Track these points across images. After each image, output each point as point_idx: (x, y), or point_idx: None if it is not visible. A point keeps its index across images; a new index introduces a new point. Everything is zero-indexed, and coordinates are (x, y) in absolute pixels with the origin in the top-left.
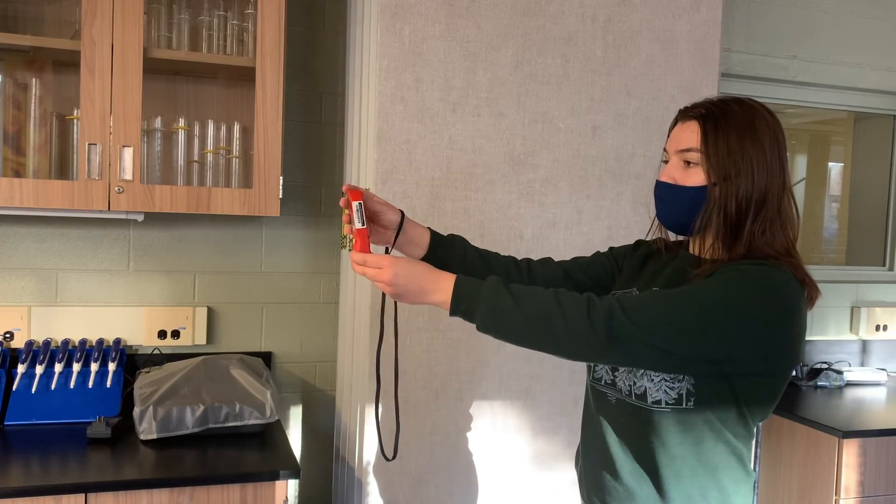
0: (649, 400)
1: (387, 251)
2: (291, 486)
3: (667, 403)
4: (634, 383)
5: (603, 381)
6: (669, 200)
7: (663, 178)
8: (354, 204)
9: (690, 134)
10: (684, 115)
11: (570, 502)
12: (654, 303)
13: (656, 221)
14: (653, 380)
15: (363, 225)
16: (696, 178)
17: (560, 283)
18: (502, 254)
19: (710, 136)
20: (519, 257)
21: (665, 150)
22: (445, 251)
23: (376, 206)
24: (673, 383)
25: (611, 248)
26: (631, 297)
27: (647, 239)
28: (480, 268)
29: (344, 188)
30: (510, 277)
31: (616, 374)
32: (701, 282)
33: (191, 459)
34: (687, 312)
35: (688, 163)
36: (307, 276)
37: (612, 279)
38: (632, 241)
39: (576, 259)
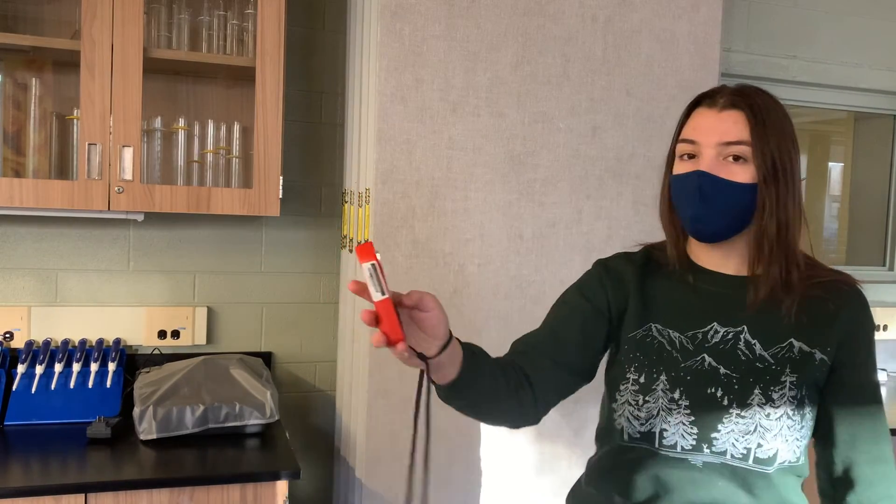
0: (777, 462)
1: (422, 374)
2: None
3: (790, 463)
4: (759, 445)
5: (679, 448)
6: (719, 199)
7: (708, 170)
8: (365, 267)
9: (735, 125)
10: (715, 101)
11: None
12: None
13: (670, 227)
14: (787, 440)
15: (384, 295)
16: (744, 174)
17: (562, 382)
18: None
19: (759, 128)
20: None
21: (690, 140)
22: (474, 373)
23: (427, 303)
24: (801, 441)
25: (580, 293)
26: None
27: (637, 250)
28: (503, 389)
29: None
30: (522, 401)
31: (717, 434)
32: (870, 381)
33: (191, 459)
34: (884, 420)
35: (735, 157)
36: (307, 276)
37: (606, 328)
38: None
39: (552, 337)
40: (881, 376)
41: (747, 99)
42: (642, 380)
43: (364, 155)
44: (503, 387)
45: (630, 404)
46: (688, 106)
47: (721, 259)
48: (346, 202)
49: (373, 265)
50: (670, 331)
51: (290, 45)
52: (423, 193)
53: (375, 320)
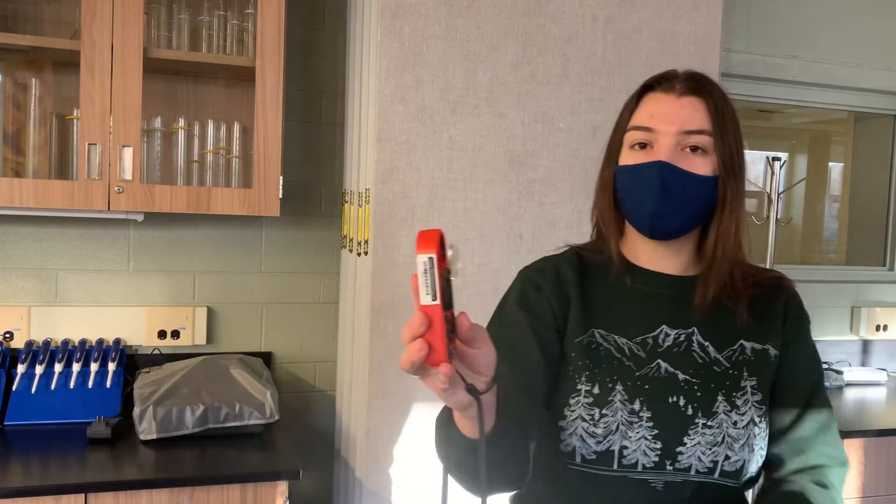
0: (744, 475)
1: (479, 411)
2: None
3: (752, 476)
4: (727, 457)
5: (640, 467)
6: (682, 193)
7: (668, 161)
8: (420, 260)
9: (697, 113)
10: (672, 87)
11: None
12: (839, 458)
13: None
14: (753, 449)
15: (435, 300)
16: (705, 167)
17: (541, 418)
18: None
19: (719, 117)
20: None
21: (644, 128)
22: (507, 421)
23: (483, 337)
24: (763, 451)
25: (521, 308)
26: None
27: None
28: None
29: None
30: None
31: (682, 447)
32: (818, 377)
33: (191, 459)
34: (835, 427)
35: (694, 148)
36: (307, 276)
37: (558, 339)
38: None
39: (514, 374)
40: (881, 376)
41: (707, 86)
42: (596, 390)
43: (364, 155)
44: (523, 433)
45: (584, 419)
46: (637, 90)
47: (665, 258)
48: (346, 202)
49: (430, 258)
50: (616, 336)
51: (290, 45)
52: (423, 193)
53: (422, 329)
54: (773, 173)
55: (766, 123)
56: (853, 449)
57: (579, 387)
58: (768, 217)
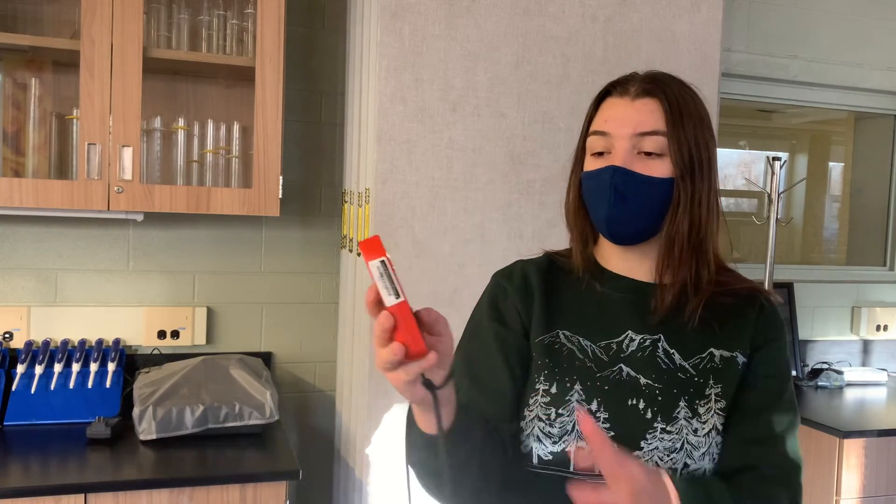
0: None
1: (435, 403)
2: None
3: (706, 472)
4: (686, 465)
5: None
6: (635, 197)
7: (622, 165)
8: (373, 265)
9: (651, 114)
10: (627, 90)
11: None
12: (795, 467)
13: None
14: (715, 458)
15: (399, 297)
16: (661, 169)
17: (509, 408)
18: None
19: (675, 118)
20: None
21: (600, 132)
22: (469, 419)
23: (442, 325)
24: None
25: (492, 318)
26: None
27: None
28: (490, 440)
29: (359, 244)
30: (505, 456)
31: (639, 452)
32: (783, 390)
33: (190, 460)
34: (796, 442)
35: (647, 153)
36: (307, 276)
37: (527, 346)
38: None
39: (484, 396)
40: (881, 376)
41: (662, 86)
42: (554, 390)
43: (364, 155)
44: (490, 437)
45: (541, 419)
46: (597, 96)
47: (634, 263)
48: (345, 202)
49: (382, 262)
50: (580, 338)
51: (290, 45)
52: (423, 193)
53: (391, 329)
54: (773, 173)
55: (766, 123)
56: (853, 449)
57: (538, 386)
58: (768, 217)
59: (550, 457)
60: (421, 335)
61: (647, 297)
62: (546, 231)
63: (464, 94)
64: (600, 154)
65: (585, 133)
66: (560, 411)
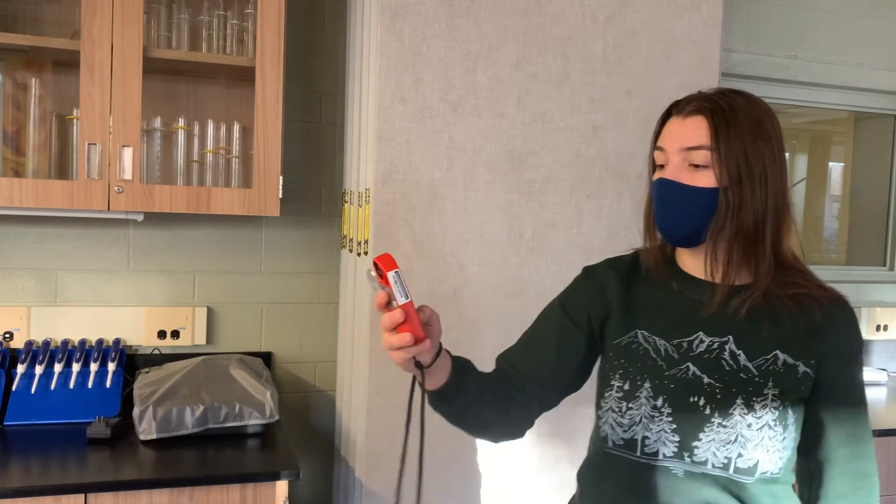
0: (758, 473)
1: (414, 380)
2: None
3: (772, 474)
4: (740, 455)
5: (661, 455)
6: (677, 204)
7: (669, 177)
8: (390, 275)
9: (697, 130)
10: (682, 109)
11: None
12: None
13: (652, 232)
14: (768, 450)
15: (407, 298)
16: (705, 180)
17: (543, 398)
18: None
19: (721, 132)
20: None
21: (659, 148)
22: (461, 381)
23: (434, 318)
24: (783, 452)
25: (561, 307)
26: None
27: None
28: (489, 398)
29: (374, 260)
30: (507, 412)
31: (698, 442)
32: (857, 386)
33: (191, 460)
34: (869, 431)
35: (695, 165)
36: (307, 276)
37: (585, 341)
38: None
39: (529, 357)
40: (881, 376)
41: (712, 103)
42: (626, 387)
43: (364, 155)
44: (489, 396)
45: (614, 411)
46: (662, 114)
47: (703, 264)
48: (345, 202)
49: (397, 273)
50: (656, 338)
51: (290, 45)
52: (423, 193)
53: (400, 321)
54: None
55: None
56: None
57: (612, 382)
58: None
59: (622, 442)
60: (421, 327)
61: (713, 297)
62: (546, 231)
63: (464, 94)
64: (661, 167)
65: (652, 148)
66: (630, 405)
